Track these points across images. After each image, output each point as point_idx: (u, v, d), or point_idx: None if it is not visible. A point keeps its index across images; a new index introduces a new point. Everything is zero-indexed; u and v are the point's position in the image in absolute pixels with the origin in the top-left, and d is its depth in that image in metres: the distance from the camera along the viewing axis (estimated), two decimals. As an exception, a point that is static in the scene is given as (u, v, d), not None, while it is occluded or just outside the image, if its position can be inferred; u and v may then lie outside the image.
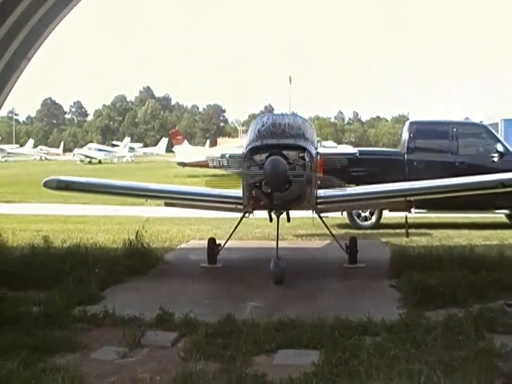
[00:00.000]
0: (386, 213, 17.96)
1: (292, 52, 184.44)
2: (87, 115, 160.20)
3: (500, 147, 17.85)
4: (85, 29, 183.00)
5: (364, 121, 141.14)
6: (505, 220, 18.26)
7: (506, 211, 17.76)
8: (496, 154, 17.64)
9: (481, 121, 26.09)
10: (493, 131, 19.74)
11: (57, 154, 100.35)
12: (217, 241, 12.42)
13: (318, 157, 11.28)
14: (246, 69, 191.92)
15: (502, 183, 12.00)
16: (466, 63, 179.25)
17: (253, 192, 10.51)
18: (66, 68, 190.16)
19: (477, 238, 14.92)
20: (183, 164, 49.76)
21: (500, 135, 30.06)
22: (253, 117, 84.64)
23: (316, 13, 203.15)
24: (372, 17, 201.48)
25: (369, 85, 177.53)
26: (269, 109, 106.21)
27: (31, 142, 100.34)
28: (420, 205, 16.89)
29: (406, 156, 18.03)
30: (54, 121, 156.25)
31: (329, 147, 49.10)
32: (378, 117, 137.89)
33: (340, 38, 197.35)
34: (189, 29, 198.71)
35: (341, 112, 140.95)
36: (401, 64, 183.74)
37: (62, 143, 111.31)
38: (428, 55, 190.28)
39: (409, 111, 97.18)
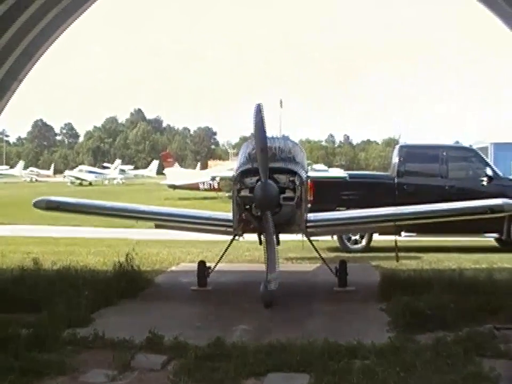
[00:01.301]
0: (376, 236, 18.00)
1: (282, 74, 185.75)
2: (78, 137, 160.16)
3: (489, 171, 17.99)
4: (75, 50, 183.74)
5: (354, 144, 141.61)
6: (494, 243, 18.35)
7: (495, 235, 17.85)
8: (485, 178, 17.78)
9: (470, 145, 26.29)
10: (482, 155, 19.90)
11: (48, 176, 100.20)
12: (208, 264, 12.41)
13: (308, 180, 11.33)
14: (237, 91, 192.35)
15: (491, 209, 12.07)
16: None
17: (243, 215, 10.54)
18: (57, 90, 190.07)
19: (467, 261, 14.95)
20: (174, 186, 49.85)
21: (490, 159, 30.34)
22: (244, 139, 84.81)
23: (305, 31, 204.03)
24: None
25: (359, 106, 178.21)
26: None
27: (21, 163, 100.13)
28: (410, 228, 16.97)
29: (396, 179, 18.13)
30: (45, 143, 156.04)
31: (320, 170, 49.25)
32: (369, 140, 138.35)
33: (331, 51, 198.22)
34: (179, 50, 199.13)
35: (332, 135, 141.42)
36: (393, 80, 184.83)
37: (52, 165, 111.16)
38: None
39: (400, 134, 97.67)
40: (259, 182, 9.78)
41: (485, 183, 17.71)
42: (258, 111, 9.67)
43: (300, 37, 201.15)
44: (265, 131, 9.81)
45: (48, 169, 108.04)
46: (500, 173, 18.78)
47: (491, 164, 19.73)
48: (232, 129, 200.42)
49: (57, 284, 10.98)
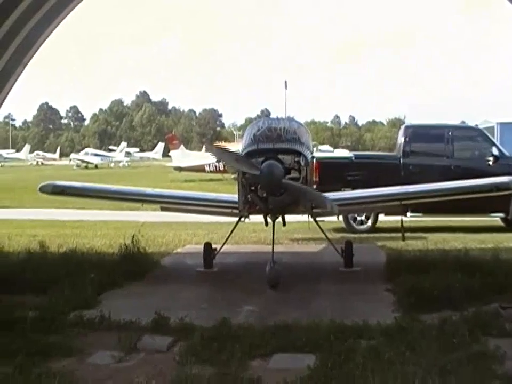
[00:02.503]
0: (382, 217, 18.00)
1: (287, 55, 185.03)
2: (83, 120, 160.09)
3: (495, 151, 17.94)
4: (80, 33, 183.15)
5: (360, 125, 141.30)
6: (500, 223, 18.32)
7: (501, 214, 17.82)
8: (491, 158, 17.71)
9: (476, 125, 26.15)
10: (488, 135, 19.80)
11: (54, 160, 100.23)
12: (213, 246, 12.43)
13: (314, 161, 11.29)
14: (243, 73, 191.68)
15: (497, 187, 12.07)
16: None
17: (249, 196, 10.54)
18: (63, 73, 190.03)
19: (472, 241, 14.94)
20: (180, 169, 49.81)
21: (496, 139, 30.20)
22: (249, 121, 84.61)
23: (309, 14, 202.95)
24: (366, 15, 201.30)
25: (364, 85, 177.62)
26: (265, 113, 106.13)
27: (27, 147, 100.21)
28: (416, 208, 16.95)
29: (401, 160, 18.09)
30: (51, 126, 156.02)
31: (325, 151, 49.21)
32: (375, 121, 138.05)
33: (334, 38, 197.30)
34: (186, 33, 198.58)
35: (337, 116, 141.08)
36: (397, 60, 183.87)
37: (58, 148, 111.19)
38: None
39: (405, 115, 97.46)
40: (264, 163, 9.76)
41: (491, 162, 17.64)
42: (209, 144, 9.99)
43: (305, 19, 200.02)
44: (224, 148, 10.10)
45: (54, 152, 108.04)
46: (506, 153, 18.69)
47: (497, 143, 19.66)
48: (238, 111, 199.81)
49: (63, 266, 11.04)
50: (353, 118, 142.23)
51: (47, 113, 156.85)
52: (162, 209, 13.64)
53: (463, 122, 34.02)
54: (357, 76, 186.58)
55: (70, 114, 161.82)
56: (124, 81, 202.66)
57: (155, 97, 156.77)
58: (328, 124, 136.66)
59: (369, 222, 17.88)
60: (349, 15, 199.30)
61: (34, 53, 13.73)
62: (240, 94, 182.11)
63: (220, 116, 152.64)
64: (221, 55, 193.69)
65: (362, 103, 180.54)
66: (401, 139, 18.56)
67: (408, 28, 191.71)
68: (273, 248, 10.95)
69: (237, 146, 13.51)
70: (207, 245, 12.41)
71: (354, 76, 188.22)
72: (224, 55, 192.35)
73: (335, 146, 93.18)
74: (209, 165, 47.71)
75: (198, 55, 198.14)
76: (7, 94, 13.83)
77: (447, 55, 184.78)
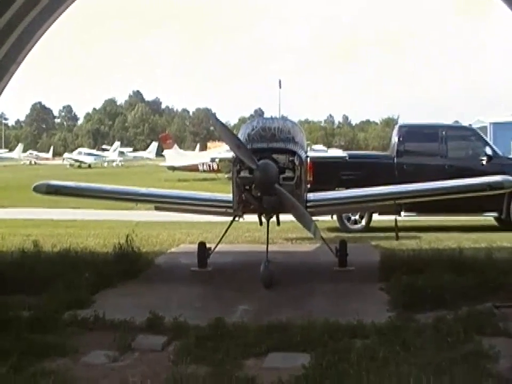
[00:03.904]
0: (376, 217, 18.02)
1: (281, 55, 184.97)
2: (77, 119, 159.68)
3: (488, 150, 18.01)
4: (74, 32, 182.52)
5: (353, 124, 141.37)
6: (494, 222, 18.38)
7: (495, 214, 17.87)
8: (485, 158, 17.78)
9: (470, 125, 26.27)
10: (482, 134, 19.89)
11: (47, 159, 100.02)
12: (208, 245, 12.43)
13: (308, 160, 11.29)
14: (237, 72, 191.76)
15: (490, 186, 12.11)
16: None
17: (243, 195, 10.54)
18: (56, 72, 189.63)
19: (466, 240, 14.96)
20: (173, 168, 49.86)
21: (489, 138, 30.31)
22: (243, 120, 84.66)
23: (302, 13, 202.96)
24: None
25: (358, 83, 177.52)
26: (259, 113, 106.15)
27: (20, 146, 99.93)
28: (410, 208, 17.00)
29: (395, 159, 18.13)
30: (44, 126, 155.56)
31: (319, 151, 49.23)
32: (368, 120, 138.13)
33: (329, 37, 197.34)
34: (179, 31, 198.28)
35: (331, 116, 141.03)
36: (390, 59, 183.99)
37: (51, 148, 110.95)
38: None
39: (399, 114, 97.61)
40: (259, 163, 9.76)
41: (484, 162, 17.71)
42: (214, 117, 10.06)
43: (298, 19, 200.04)
44: (229, 129, 10.08)
45: (47, 152, 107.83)
46: (499, 152, 18.77)
47: (490, 143, 19.73)
48: (232, 110, 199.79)
49: (57, 266, 11.02)
50: (347, 118, 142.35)
51: (40, 112, 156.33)
52: (157, 208, 13.63)
53: (457, 122, 34.21)
54: (352, 75, 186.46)
55: (63, 113, 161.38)
56: (117, 81, 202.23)
57: (148, 97, 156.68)
58: (322, 124, 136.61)
59: (363, 222, 17.92)
60: (345, 14, 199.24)
61: (28, 51, 13.67)
62: (234, 93, 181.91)
63: (214, 115, 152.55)
64: (214, 55, 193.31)
65: (356, 102, 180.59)
66: (395, 138, 18.61)
67: (401, 28, 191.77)
68: (267, 248, 10.96)
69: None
70: (201, 244, 12.42)
71: (350, 75, 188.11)
72: (218, 54, 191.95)
73: (329, 145, 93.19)
74: (202, 164, 47.83)
75: (191, 54, 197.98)
76: (1, 92, 13.78)
77: (445, 54, 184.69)
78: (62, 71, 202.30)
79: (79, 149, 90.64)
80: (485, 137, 20.08)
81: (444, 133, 18.38)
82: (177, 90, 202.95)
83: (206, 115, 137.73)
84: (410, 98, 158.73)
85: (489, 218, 18.32)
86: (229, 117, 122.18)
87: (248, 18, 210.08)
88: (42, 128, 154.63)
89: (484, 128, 40.08)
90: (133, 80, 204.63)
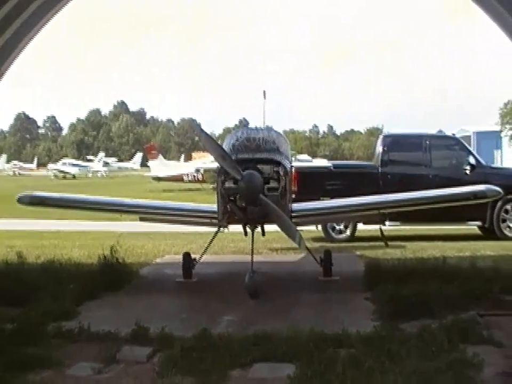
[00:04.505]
0: (361, 226, 18.07)
1: (265, 64, 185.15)
2: (61, 130, 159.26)
3: (472, 159, 18.12)
4: (58, 43, 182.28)
5: (338, 134, 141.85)
6: (477, 231, 18.48)
7: (478, 223, 17.98)
8: (468, 167, 17.88)
9: (453, 134, 26.41)
10: (465, 144, 20.02)
11: (31, 170, 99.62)
12: (193, 256, 12.42)
13: (293, 170, 11.32)
14: (221, 83, 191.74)
15: (474, 195, 12.20)
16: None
17: (228, 206, 10.55)
18: (40, 82, 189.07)
19: (450, 249, 15.03)
20: (158, 179, 49.80)
21: (472, 148, 30.51)
22: (227, 131, 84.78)
23: (286, 20, 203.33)
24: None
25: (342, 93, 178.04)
26: (244, 123, 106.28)
27: (4, 157, 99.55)
28: (394, 217, 17.04)
29: (380, 169, 18.21)
30: (28, 136, 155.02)
31: (304, 161, 49.30)
32: (353, 130, 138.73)
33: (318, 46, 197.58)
34: (163, 41, 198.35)
35: (316, 126, 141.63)
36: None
37: (35, 158, 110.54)
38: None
39: (383, 124, 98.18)
40: (243, 173, 9.78)
41: (468, 171, 17.81)
42: (199, 128, 9.87)
43: (280, 27, 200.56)
44: (214, 140, 10.18)
45: (31, 162, 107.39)
46: (483, 161, 18.90)
47: (474, 152, 19.85)
48: (216, 121, 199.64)
49: (41, 277, 10.97)
50: (331, 127, 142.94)
51: (24, 122, 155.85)
52: (141, 219, 13.60)
53: (440, 131, 34.24)
54: (338, 84, 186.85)
55: (48, 124, 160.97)
56: (101, 91, 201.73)
57: (133, 107, 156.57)
58: (307, 133, 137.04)
59: (348, 231, 17.97)
60: (326, 23, 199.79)
61: (12, 61, 13.65)
62: (219, 104, 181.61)
63: (199, 125, 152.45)
64: (199, 65, 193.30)
65: (341, 112, 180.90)
66: (379, 148, 18.69)
67: (385, 35, 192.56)
68: (252, 258, 10.95)
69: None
70: (186, 255, 12.40)
71: (335, 85, 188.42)
72: (202, 65, 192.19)
73: (314, 155, 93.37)
74: (187, 174, 47.81)
75: (176, 65, 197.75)
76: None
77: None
78: (47, 81, 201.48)
79: (64, 160, 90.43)
80: (468, 147, 20.20)
81: (428, 142, 18.49)
82: (162, 101, 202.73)
83: (191, 125, 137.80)
84: (394, 108, 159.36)
85: (473, 227, 18.42)
86: (213, 127, 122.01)
87: (246, 18, 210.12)
88: (26, 138, 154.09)
89: (467, 138, 40.38)
90: (117, 91, 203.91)
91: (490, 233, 17.82)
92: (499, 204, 17.23)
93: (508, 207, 17.65)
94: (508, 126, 38.27)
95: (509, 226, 17.76)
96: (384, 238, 15.52)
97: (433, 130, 28.20)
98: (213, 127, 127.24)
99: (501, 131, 39.56)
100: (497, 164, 35.94)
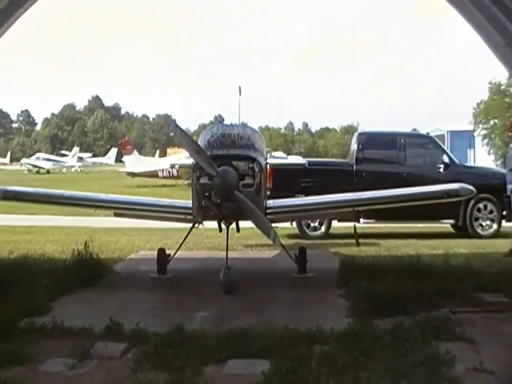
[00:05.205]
0: (335, 223, 18.15)
1: (241, 61, 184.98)
2: (35, 124, 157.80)
3: (445, 158, 18.27)
4: (33, 36, 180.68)
5: (313, 132, 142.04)
6: (450, 229, 18.65)
7: (451, 221, 18.15)
8: (442, 165, 18.03)
9: (427, 133, 26.62)
10: (439, 142, 20.19)
11: (4, 164, 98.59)
12: (167, 252, 12.38)
13: (268, 167, 11.33)
14: (196, 78, 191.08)
15: (447, 194, 12.29)
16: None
17: (203, 202, 10.55)
18: (14, 75, 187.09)
19: (424, 247, 15.15)
20: (133, 174, 49.63)
21: (446, 147, 30.77)
22: (203, 127, 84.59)
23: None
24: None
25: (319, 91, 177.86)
26: (219, 119, 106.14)
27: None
28: (369, 215, 17.14)
29: (354, 166, 18.29)
30: (1, 130, 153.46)
31: (279, 157, 49.35)
32: (328, 128, 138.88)
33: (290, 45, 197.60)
34: (138, 38, 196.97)
35: (291, 123, 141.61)
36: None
37: (9, 153, 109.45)
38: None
39: (358, 121, 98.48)
40: (218, 169, 9.78)
41: (441, 170, 17.96)
42: (174, 123, 9.80)
43: (258, 26, 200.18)
44: (189, 136, 10.25)
45: (5, 157, 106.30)
46: (456, 160, 19.06)
47: (448, 151, 20.02)
48: (191, 117, 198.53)
49: (14, 272, 10.88)
50: (307, 125, 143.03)
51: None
52: (116, 215, 13.53)
53: (415, 129, 34.47)
54: (312, 81, 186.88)
55: (21, 118, 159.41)
56: (76, 85, 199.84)
57: (108, 102, 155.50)
58: (282, 130, 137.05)
59: (323, 228, 18.03)
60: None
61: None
62: (194, 99, 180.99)
63: (173, 121, 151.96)
64: (175, 61, 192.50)
65: (316, 109, 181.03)
66: (354, 146, 18.77)
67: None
68: (227, 254, 10.96)
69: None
70: (161, 251, 12.37)
71: (309, 81, 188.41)
72: (178, 60, 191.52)
73: (289, 152, 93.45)
74: (162, 170, 47.68)
75: (152, 60, 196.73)
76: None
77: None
78: (21, 74, 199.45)
79: (38, 154, 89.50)
80: (442, 145, 20.38)
81: (402, 140, 18.62)
82: (137, 96, 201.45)
83: (166, 121, 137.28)
84: (370, 106, 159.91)
85: (446, 225, 18.58)
86: (188, 123, 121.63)
87: (206, 23, 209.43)
88: (0, 132, 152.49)
89: (441, 136, 40.69)
90: (92, 86, 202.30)
91: (463, 231, 18.01)
92: (472, 202, 17.40)
93: (481, 205, 17.83)
94: (480, 126, 38.61)
95: (481, 225, 17.94)
96: (357, 237, 15.61)
97: (407, 129, 28.45)
98: (188, 123, 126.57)
99: (474, 130, 39.87)
100: (470, 163, 36.23)
